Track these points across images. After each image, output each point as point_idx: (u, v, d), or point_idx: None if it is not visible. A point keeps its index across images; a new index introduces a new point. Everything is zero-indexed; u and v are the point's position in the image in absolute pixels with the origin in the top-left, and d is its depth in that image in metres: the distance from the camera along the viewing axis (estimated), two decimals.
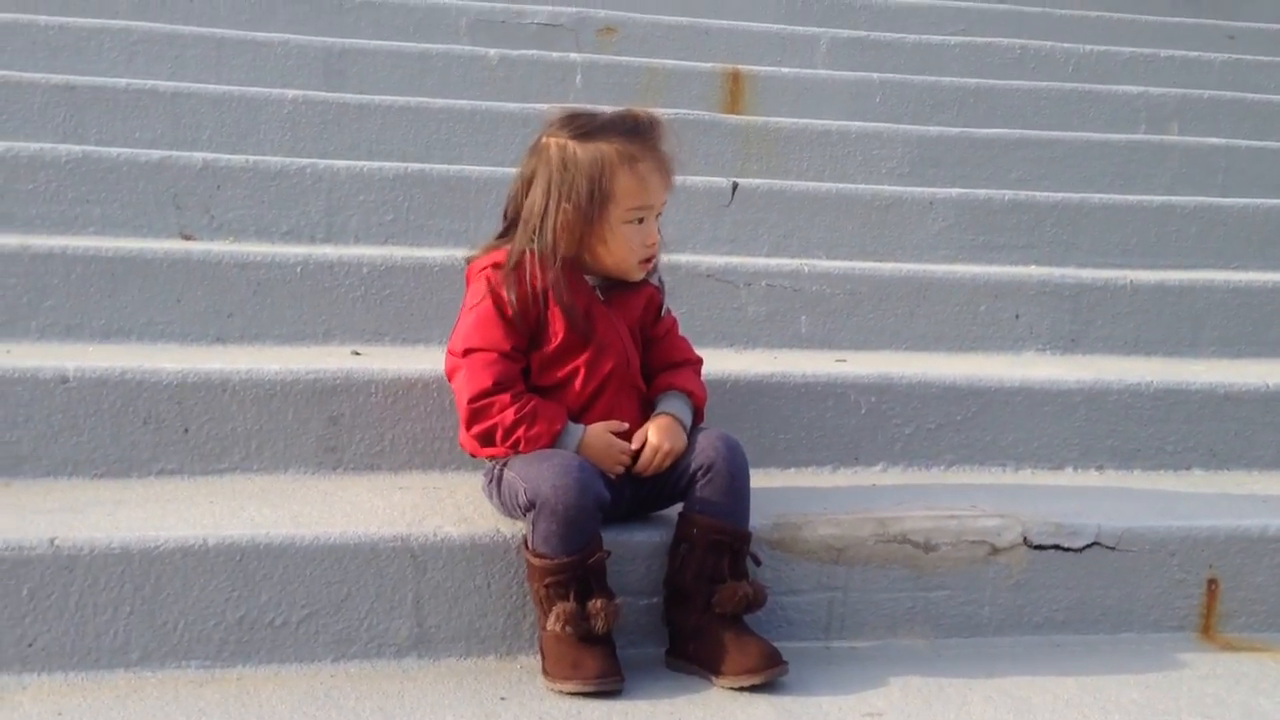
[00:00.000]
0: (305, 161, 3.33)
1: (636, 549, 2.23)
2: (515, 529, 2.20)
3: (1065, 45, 5.29)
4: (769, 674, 2.09)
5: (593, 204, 2.20)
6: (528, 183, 2.26)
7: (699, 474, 2.19)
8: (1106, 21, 5.73)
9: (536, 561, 2.09)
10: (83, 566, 2.01)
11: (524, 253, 2.23)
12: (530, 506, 2.10)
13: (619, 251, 2.25)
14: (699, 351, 2.51)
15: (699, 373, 2.42)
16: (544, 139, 2.26)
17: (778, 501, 2.43)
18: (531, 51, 4.42)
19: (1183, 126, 4.81)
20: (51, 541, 2.01)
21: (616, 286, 2.32)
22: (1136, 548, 2.43)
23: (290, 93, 3.77)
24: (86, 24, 4.05)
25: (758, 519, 2.29)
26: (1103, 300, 3.36)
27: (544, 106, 3.97)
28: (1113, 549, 2.41)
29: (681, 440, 2.25)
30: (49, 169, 3.15)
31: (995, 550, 2.35)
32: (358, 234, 3.33)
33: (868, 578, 2.33)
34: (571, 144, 2.22)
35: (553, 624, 2.06)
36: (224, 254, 2.86)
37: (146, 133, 3.63)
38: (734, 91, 4.54)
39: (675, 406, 2.30)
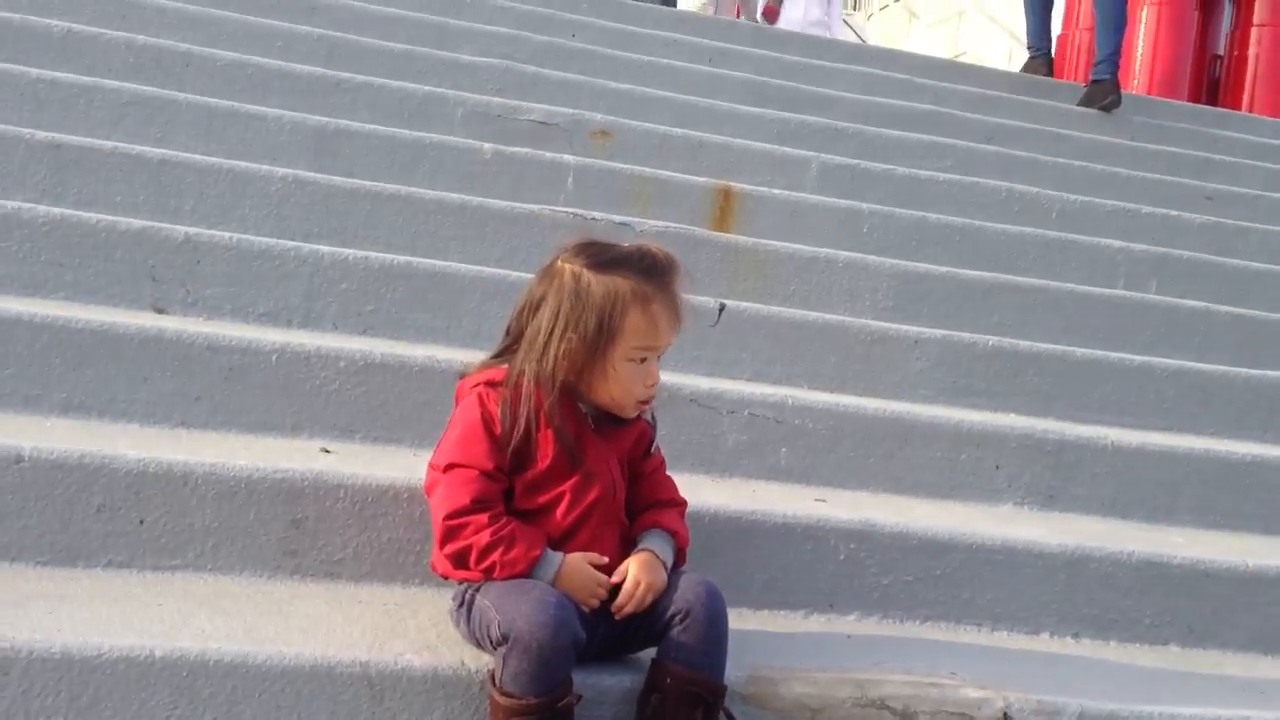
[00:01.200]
0: (289, 244, 3.26)
1: (605, 693, 2.13)
2: (481, 661, 2.10)
3: (1050, 192, 5.35)
4: None
5: (600, 337, 2.15)
6: (535, 305, 2.21)
7: (676, 619, 2.11)
8: (1090, 173, 5.81)
9: (503, 700, 1.98)
10: (19, 670, 1.88)
11: (522, 374, 2.18)
12: (502, 641, 2.00)
13: (618, 388, 2.20)
14: (674, 475, 2.44)
15: (683, 515, 2.36)
16: (558, 263, 2.21)
17: (751, 649, 2.34)
18: (525, 149, 4.38)
19: (1161, 285, 4.84)
20: None
21: (609, 419, 2.26)
22: None
23: (280, 170, 3.70)
24: (77, 80, 3.97)
25: (732, 669, 2.20)
26: (1083, 458, 3.33)
27: (535, 207, 3.98)
28: None
29: (662, 578, 2.17)
30: (24, 228, 3.05)
31: None
32: (336, 321, 3.25)
33: None
34: (587, 274, 2.18)
35: None
36: (196, 335, 2.76)
37: (130, 198, 3.53)
38: (724, 208, 4.53)
39: (657, 545, 2.23)
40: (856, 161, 5.17)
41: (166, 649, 1.94)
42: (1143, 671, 2.67)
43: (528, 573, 2.09)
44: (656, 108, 5.28)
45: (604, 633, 2.16)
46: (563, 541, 2.18)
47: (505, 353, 2.25)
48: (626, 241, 2.32)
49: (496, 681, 2.00)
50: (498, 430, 2.15)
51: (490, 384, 2.20)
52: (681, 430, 3.05)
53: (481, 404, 2.17)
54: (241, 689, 1.97)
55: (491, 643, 2.03)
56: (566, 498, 2.19)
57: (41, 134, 3.52)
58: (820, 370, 3.60)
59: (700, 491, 2.76)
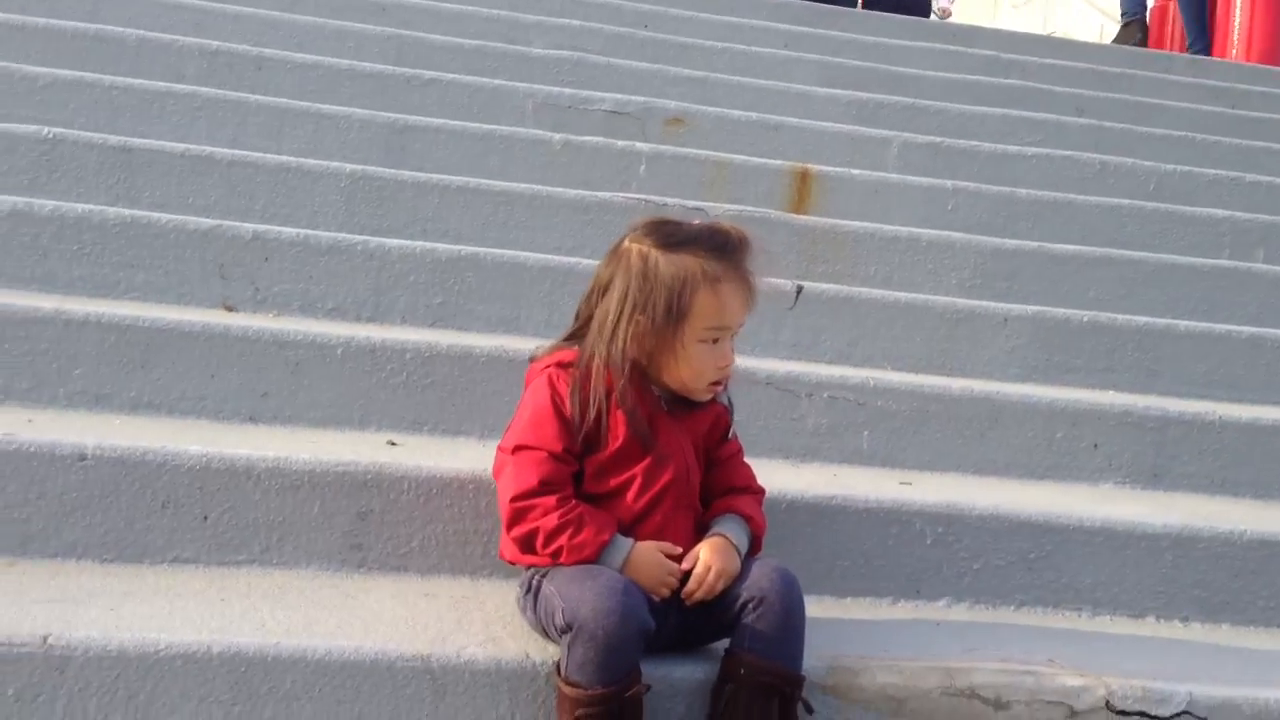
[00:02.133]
0: (356, 238, 3.22)
1: (676, 685, 2.03)
2: (547, 653, 2.02)
3: (1147, 163, 5.11)
4: None
5: (669, 319, 2.08)
6: (604, 286, 2.14)
7: (749, 606, 2.01)
8: (1189, 142, 5.56)
9: (569, 691, 1.90)
10: (75, 668, 1.85)
11: (593, 356, 2.11)
12: (567, 629, 1.92)
13: (689, 370, 2.12)
14: (756, 461, 2.35)
15: (760, 502, 2.26)
16: (626, 243, 2.14)
17: (832, 638, 2.23)
18: (596, 138, 4.31)
19: (1269, 254, 4.60)
20: (44, 639, 1.85)
21: (683, 402, 2.18)
22: None
23: (348, 166, 3.67)
24: (151, 86, 3.98)
25: (810, 659, 2.09)
26: (1188, 435, 3.15)
27: (605, 194, 3.90)
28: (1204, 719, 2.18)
29: (735, 564, 2.07)
30: (95, 230, 3.05)
31: (1074, 713, 2.13)
32: (404, 315, 3.20)
33: None
34: (655, 253, 2.10)
35: None
36: (262, 330, 2.73)
37: (201, 199, 3.53)
38: (802, 190, 4.40)
39: (731, 530, 2.13)
40: (940, 139, 5.00)
41: (224, 644, 1.89)
42: (1258, 655, 2.50)
43: (596, 558, 2.01)
44: (731, 93, 5.17)
45: (675, 623, 2.07)
46: (634, 526, 2.10)
47: (575, 336, 2.19)
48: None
49: (562, 671, 1.92)
50: (568, 412, 2.08)
51: (561, 365, 2.14)
52: (759, 414, 2.95)
53: (551, 385, 2.11)
54: (300, 684, 1.91)
55: (557, 630, 1.95)
56: (638, 481, 2.11)
57: (114, 138, 3.54)
58: (904, 351, 3.47)
59: (779, 476, 2.65)
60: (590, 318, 2.16)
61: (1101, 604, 2.63)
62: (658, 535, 2.10)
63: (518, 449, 2.07)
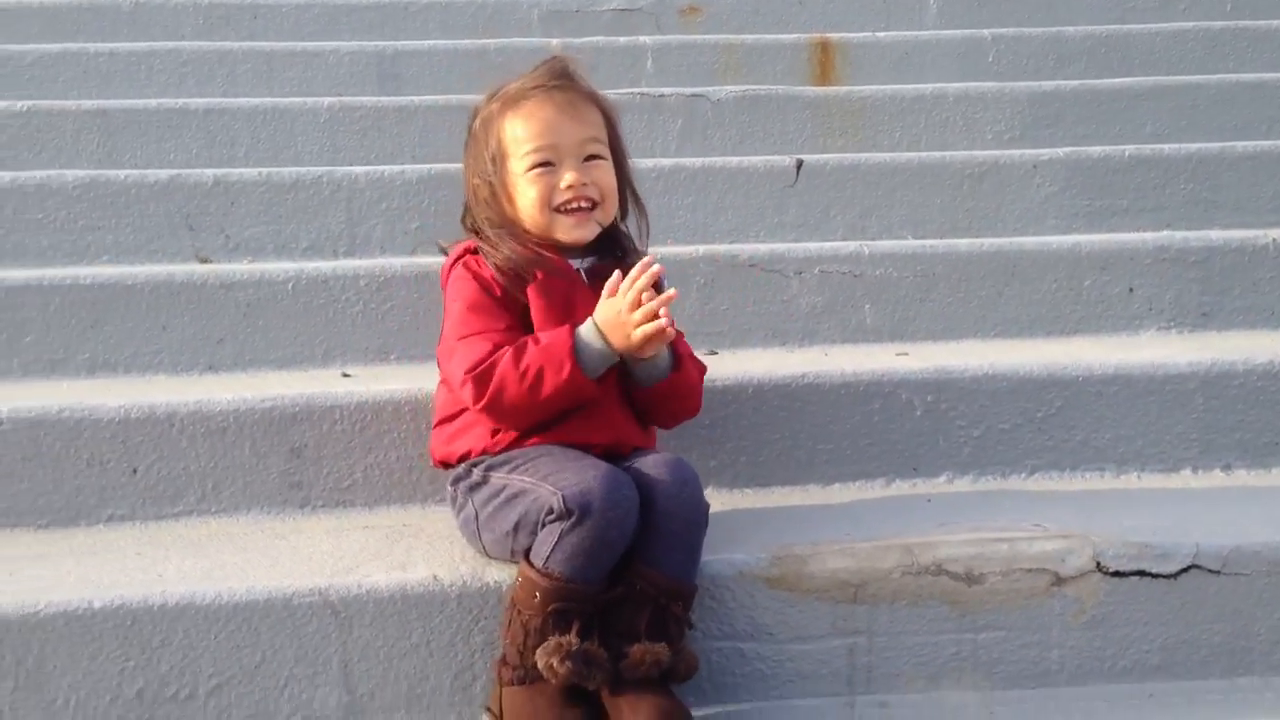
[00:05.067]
0: (321, 170, 3.10)
1: None
2: (458, 575, 1.87)
3: None
4: None
5: (495, 168, 1.99)
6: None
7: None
8: None
9: (545, 582, 1.73)
10: None
11: (478, 235, 2.02)
12: (566, 514, 1.72)
13: (531, 205, 1.96)
14: (747, 351, 2.37)
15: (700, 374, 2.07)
16: None
17: (793, 528, 2.03)
18: (599, 38, 4.09)
19: None
20: None
21: (605, 272, 1.94)
22: (1250, 570, 1.93)
23: (326, 100, 3.55)
24: (134, 48, 3.93)
25: (756, 551, 1.90)
26: (1239, 264, 2.81)
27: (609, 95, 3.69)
28: (1217, 573, 1.92)
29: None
30: (56, 196, 2.99)
31: (1060, 580, 1.89)
32: (383, 244, 3.07)
33: (896, 618, 1.90)
34: (478, 115, 2.02)
35: (546, 661, 1.71)
36: (207, 274, 2.63)
37: (180, 154, 3.46)
38: (823, 63, 4.11)
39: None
40: None
41: (107, 599, 1.80)
42: None
43: (573, 352, 1.84)
44: None
45: None
46: (558, 415, 1.91)
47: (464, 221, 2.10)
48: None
49: (537, 561, 1.75)
50: (497, 291, 1.96)
51: (471, 252, 2.03)
52: (747, 300, 2.73)
53: (472, 272, 1.99)
54: (196, 632, 1.81)
55: (539, 519, 1.76)
56: None
57: (88, 103, 3.50)
58: (924, 216, 3.20)
59: (764, 363, 2.45)
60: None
61: (1127, 461, 2.36)
62: (588, 417, 1.91)
63: (463, 338, 1.93)
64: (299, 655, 1.83)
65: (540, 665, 1.72)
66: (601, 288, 1.93)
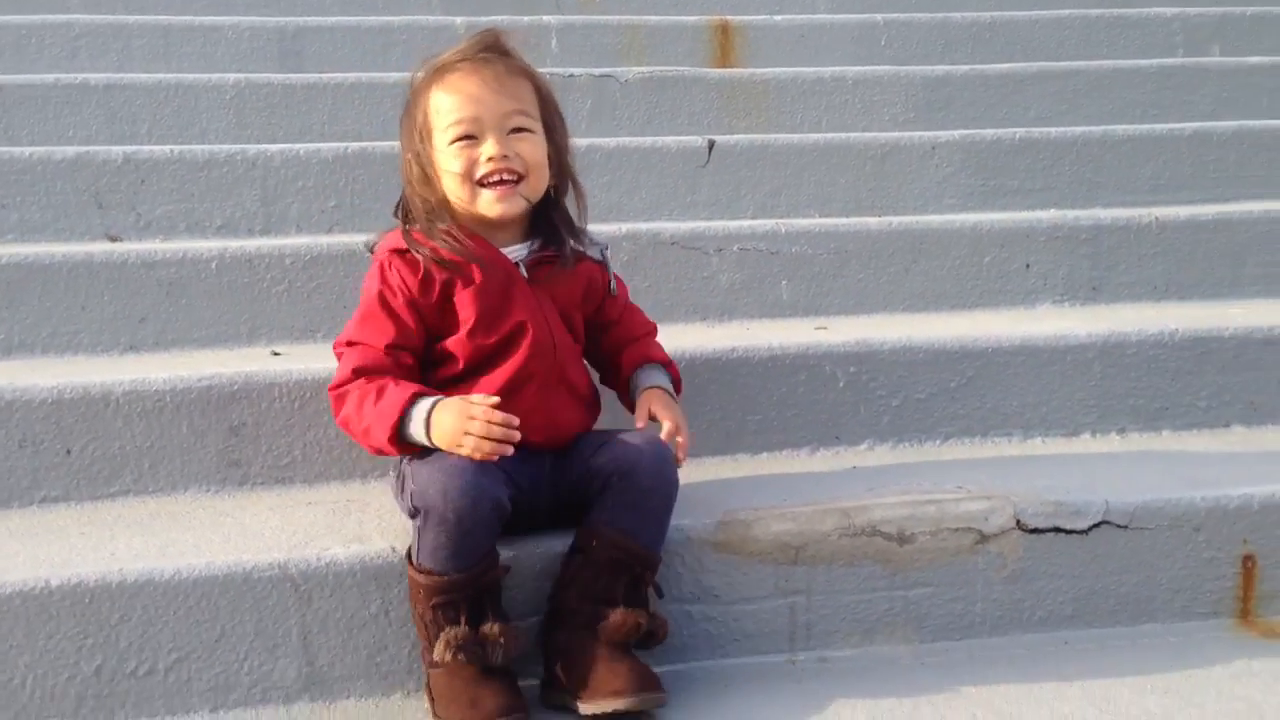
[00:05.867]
0: (234, 148, 3.06)
1: (556, 560, 1.92)
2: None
3: None
4: (640, 699, 1.76)
5: (423, 144, 1.94)
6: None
7: (614, 480, 1.87)
8: None
9: (421, 578, 1.79)
10: None
11: (410, 227, 1.97)
12: (415, 512, 1.80)
13: (454, 180, 1.92)
14: (670, 327, 2.28)
15: (656, 339, 2.15)
16: None
17: (733, 495, 2.12)
18: (502, 17, 4.10)
19: (1224, 48, 4.38)
20: None
21: (545, 263, 1.97)
22: (1154, 524, 2.08)
23: (232, 77, 3.51)
24: (24, 21, 3.81)
25: (702, 517, 1.99)
26: (1124, 242, 2.99)
27: None
28: (1125, 527, 2.06)
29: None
30: None
31: (984, 538, 2.02)
32: (299, 223, 3.06)
33: (834, 578, 2.01)
34: (411, 88, 1.99)
35: (441, 653, 1.76)
36: (128, 252, 2.60)
37: (80, 130, 3.39)
38: (724, 45, 4.20)
39: (661, 379, 2.04)
40: None
41: (63, 577, 1.80)
42: (1197, 457, 2.37)
43: (396, 428, 1.82)
44: None
45: (548, 502, 1.95)
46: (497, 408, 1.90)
47: (397, 210, 2.04)
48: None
49: (413, 558, 1.82)
50: (395, 303, 1.92)
51: (395, 251, 1.96)
52: (668, 278, 2.81)
53: (381, 276, 1.95)
54: (154, 608, 1.82)
55: (409, 515, 1.84)
56: (494, 362, 1.93)
57: None
58: (831, 195, 3.31)
59: (688, 338, 2.52)
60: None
61: (1032, 426, 2.50)
62: (529, 418, 1.87)
63: (350, 344, 1.93)
64: (259, 629, 1.86)
65: (438, 660, 1.77)
66: (538, 279, 1.95)
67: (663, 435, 1.92)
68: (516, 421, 1.79)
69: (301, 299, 2.66)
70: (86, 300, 2.58)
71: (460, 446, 1.77)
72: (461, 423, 1.78)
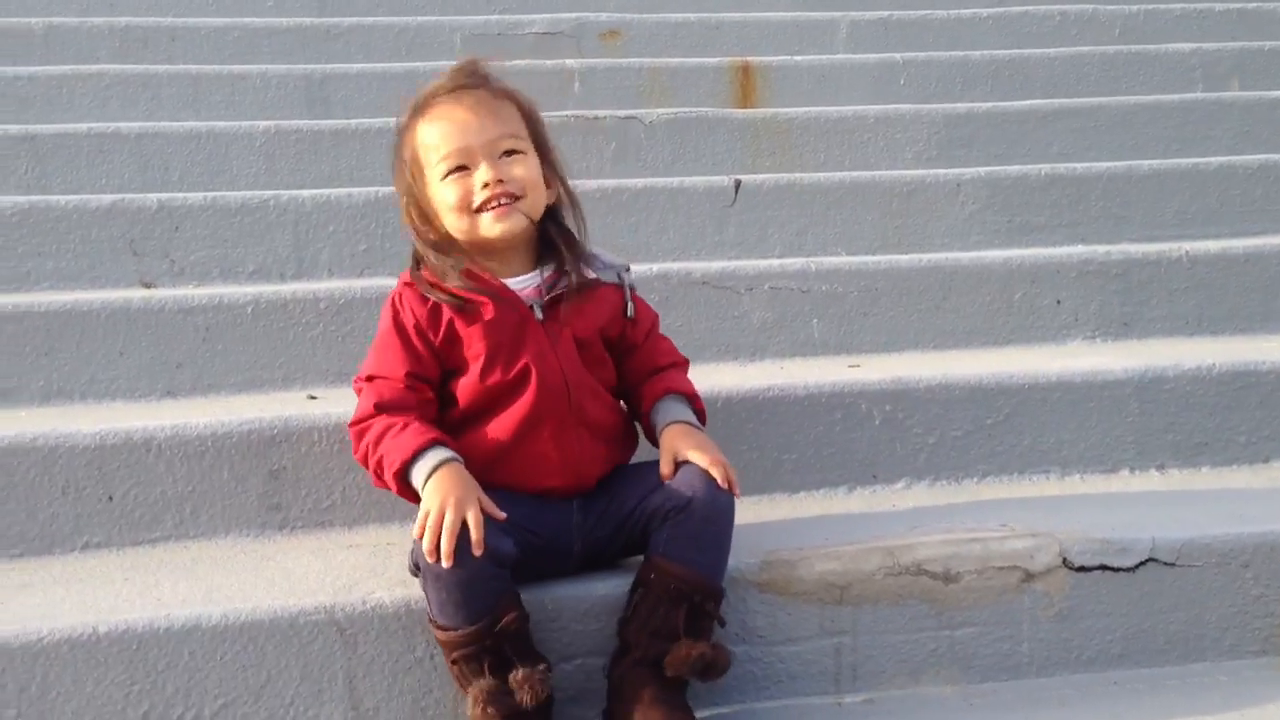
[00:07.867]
0: (267, 194, 3.09)
1: (598, 604, 1.91)
2: None
3: (1109, 7, 4.90)
4: None
5: (416, 182, 1.94)
6: None
7: (672, 514, 1.86)
8: None
9: (439, 634, 1.80)
10: None
11: (418, 265, 1.97)
12: (415, 570, 1.81)
13: (452, 213, 1.90)
14: (702, 366, 2.22)
15: (686, 372, 2.10)
16: None
17: (775, 535, 2.11)
18: (523, 61, 4.14)
19: (1244, 82, 4.40)
20: None
21: (562, 298, 1.94)
22: (1201, 561, 2.07)
23: (262, 124, 3.54)
24: (56, 72, 3.87)
25: (745, 557, 1.98)
26: (1155, 276, 2.99)
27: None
28: (1172, 564, 2.05)
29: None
30: None
31: (1029, 576, 2.01)
32: (330, 267, 3.08)
33: (879, 618, 2.00)
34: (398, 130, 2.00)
35: (472, 708, 1.76)
36: (165, 299, 2.62)
37: (113, 179, 3.42)
38: (745, 86, 4.23)
39: (686, 413, 1.99)
40: (889, 13, 4.81)
41: (112, 624, 1.80)
42: (1240, 493, 2.36)
43: (403, 468, 1.83)
44: None
45: (581, 547, 1.94)
46: (507, 458, 1.90)
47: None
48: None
49: (431, 616, 1.81)
50: (411, 334, 1.92)
51: (406, 284, 1.97)
52: (700, 317, 2.82)
53: (394, 308, 1.96)
54: (201, 654, 1.82)
55: (410, 573, 1.84)
56: (502, 404, 1.91)
57: (14, 128, 3.44)
58: (856, 233, 3.32)
59: (723, 377, 2.53)
60: None
61: (1070, 463, 2.49)
62: (542, 461, 1.90)
63: (369, 379, 1.93)
64: (304, 673, 1.85)
65: (473, 714, 1.77)
66: (553, 316, 1.92)
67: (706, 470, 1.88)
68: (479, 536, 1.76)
69: (335, 342, 2.67)
70: (125, 346, 2.59)
71: (425, 516, 1.76)
72: (442, 501, 1.77)
